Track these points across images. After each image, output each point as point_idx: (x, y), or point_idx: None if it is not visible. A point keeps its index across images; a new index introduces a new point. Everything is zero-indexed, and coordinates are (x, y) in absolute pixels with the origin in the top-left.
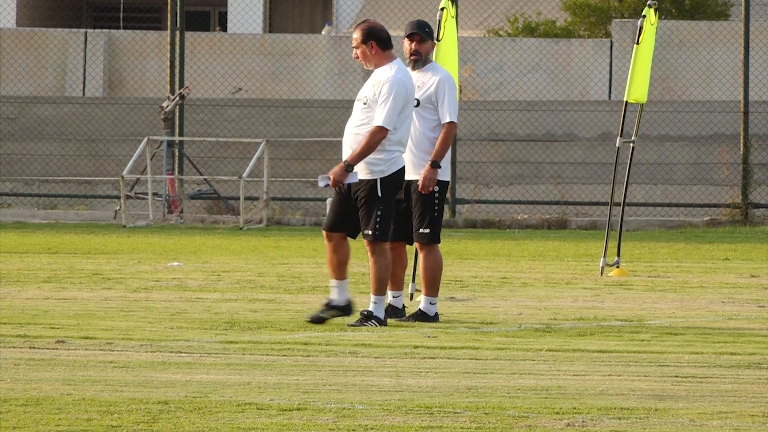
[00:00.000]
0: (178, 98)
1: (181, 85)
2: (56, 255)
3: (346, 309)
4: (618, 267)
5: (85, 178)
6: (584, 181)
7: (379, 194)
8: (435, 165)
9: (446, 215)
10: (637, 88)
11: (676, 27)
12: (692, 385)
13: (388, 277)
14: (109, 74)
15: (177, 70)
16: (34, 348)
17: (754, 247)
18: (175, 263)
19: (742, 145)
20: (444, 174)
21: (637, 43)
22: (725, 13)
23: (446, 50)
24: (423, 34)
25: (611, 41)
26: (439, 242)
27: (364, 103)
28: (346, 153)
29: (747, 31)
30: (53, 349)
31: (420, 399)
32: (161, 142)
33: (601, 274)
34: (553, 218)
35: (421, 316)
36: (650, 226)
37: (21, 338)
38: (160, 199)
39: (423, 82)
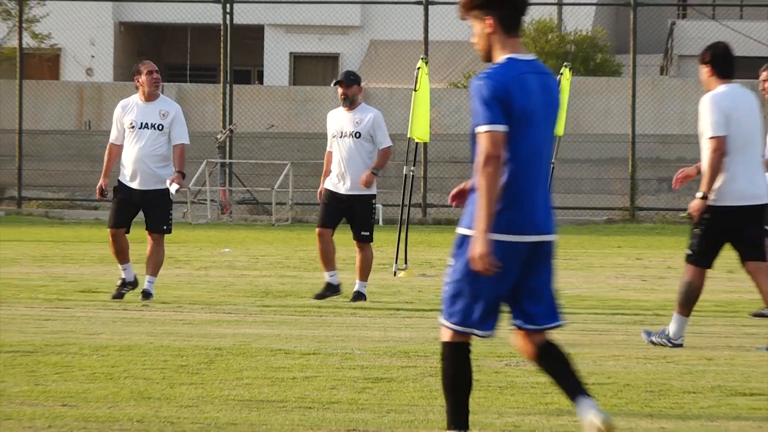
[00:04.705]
0: (228, 132)
1: (231, 123)
2: (141, 243)
3: (135, 283)
4: None
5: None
6: None
7: (171, 197)
8: (376, 172)
9: (419, 215)
10: (558, 124)
11: (584, 81)
12: (595, 336)
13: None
14: None
15: (227, 112)
16: (126, 310)
17: (639, 238)
18: (226, 250)
19: (630, 165)
20: (373, 189)
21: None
22: (618, 72)
23: (421, 97)
24: (347, 81)
25: None
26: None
27: (159, 129)
28: (136, 174)
29: (634, 84)
30: (139, 310)
31: (401, 346)
32: (216, 163)
33: None
34: None
35: (360, 297)
36: (565, 223)
37: (117, 303)
38: (216, 203)
39: (360, 119)
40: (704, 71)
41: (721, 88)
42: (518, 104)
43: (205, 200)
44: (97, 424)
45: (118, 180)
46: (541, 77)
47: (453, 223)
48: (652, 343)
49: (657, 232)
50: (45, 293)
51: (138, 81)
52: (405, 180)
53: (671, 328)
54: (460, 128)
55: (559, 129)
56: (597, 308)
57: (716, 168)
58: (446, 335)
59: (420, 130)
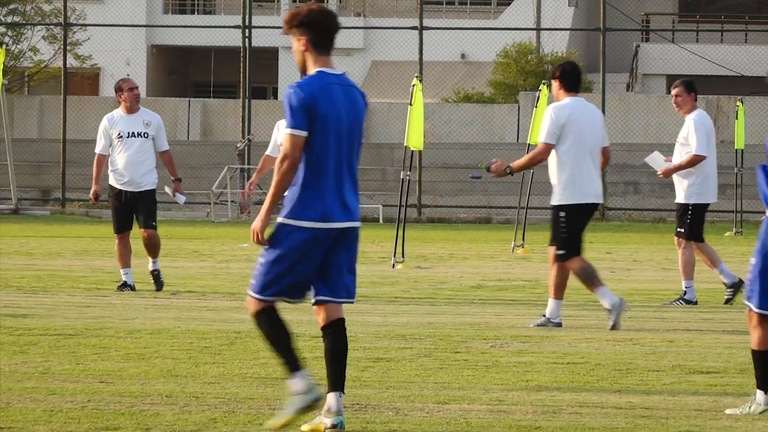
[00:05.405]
0: (246, 141)
1: (249, 133)
2: (171, 239)
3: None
4: (522, 247)
5: (188, 192)
6: (502, 193)
7: (156, 198)
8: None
9: (415, 215)
10: (535, 134)
11: None
12: (569, 321)
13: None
14: (203, 126)
15: (246, 124)
16: (157, 298)
17: (608, 234)
18: (244, 245)
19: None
20: None
21: (536, 107)
22: (590, 88)
23: (416, 111)
24: None
25: (518, 106)
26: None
27: (145, 137)
28: (130, 176)
29: (603, 99)
30: (168, 298)
31: (398, 330)
32: (236, 168)
33: (512, 251)
34: (482, 216)
35: None
36: (543, 221)
37: (149, 292)
38: (236, 204)
39: None
40: (555, 85)
41: (564, 101)
42: (322, 110)
43: (226, 201)
44: (131, 399)
45: (110, 185)
46: (346, 89)
47: (445, 221)
48: (614, 327)
49: (624, 230)
50: (85, 283)
51: (120, 97)
52: (402, 183)
53: (604, 304)
54: (451, 137)
55: (537, 138)
56: (571, 296)
57: (538, 160)
58: (255, 306)
59: (415, 139)
